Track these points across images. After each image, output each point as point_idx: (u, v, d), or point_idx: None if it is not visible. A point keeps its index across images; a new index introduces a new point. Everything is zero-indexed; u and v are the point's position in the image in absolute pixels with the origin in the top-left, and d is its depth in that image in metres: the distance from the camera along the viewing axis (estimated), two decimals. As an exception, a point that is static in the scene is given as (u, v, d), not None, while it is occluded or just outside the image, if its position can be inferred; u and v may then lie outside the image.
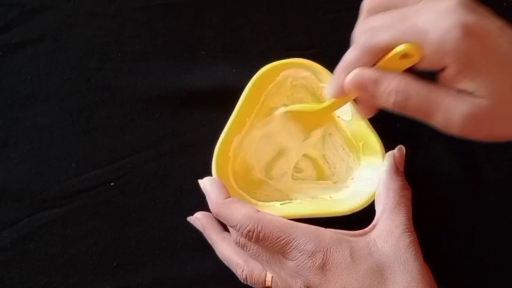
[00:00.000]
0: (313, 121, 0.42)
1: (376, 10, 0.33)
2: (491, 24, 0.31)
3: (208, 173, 0.39)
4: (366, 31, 0.33)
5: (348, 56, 0.33)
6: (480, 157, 0.44)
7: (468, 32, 0.29)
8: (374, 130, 0.40)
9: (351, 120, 0.41)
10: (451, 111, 0.31)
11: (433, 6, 0.31)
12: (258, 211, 0.35)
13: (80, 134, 0.45)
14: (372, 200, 0.38)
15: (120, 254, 0.43)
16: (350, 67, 0.33)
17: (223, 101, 0.42)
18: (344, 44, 0.46)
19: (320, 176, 0.43)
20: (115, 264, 0.42)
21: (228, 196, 0.37)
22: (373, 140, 0.39)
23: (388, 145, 0.39)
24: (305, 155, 0.43)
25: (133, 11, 0.47)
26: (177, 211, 0.42)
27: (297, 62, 0.41)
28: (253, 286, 0.37)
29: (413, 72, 0.32)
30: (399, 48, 0.31)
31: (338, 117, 0.42)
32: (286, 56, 0.42)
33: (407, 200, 0.36)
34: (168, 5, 0.47)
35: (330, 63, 0.41)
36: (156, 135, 0.45)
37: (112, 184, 0.44)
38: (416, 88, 0.31)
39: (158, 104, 0.45)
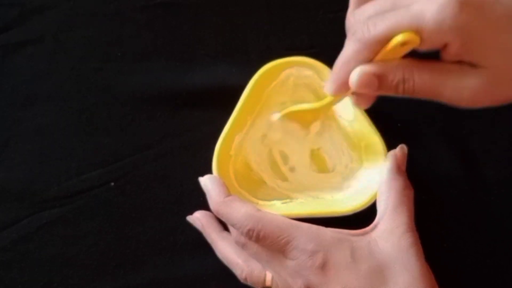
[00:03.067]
0: (311, 117, 0.42)
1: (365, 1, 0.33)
2: None
3: (209, 172, 0.39)
4: (361, 23, 0.32)
5: (347, 52, 0.32)
6: (480, 157, 0.44)
7: (463, 4, 0.29)
8: (376, 130, 0.40)
9: (353, 121, 0.41)
10: (459, 87, 0.31)
11: None
12: (259, 210, 0.35)
13: (80, 134, 0.44)
14: (374, 200, 0.38)
15: (120, 254, 0.42)
16: (350, 62, 0.32)
17: (223, 101, 0.42)
18: (344, 44, 0.46)
19: (322, 170, 0.43)
20: (115, 264, 0.42)
21: (229, 194, 0.37)
22: (375, 140, 0.39)
23: (389, 145, 0.39)
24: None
25: (133, 11, 0.47)
26: (178, 211, 0.42)
27: (300, 60, 0.41)
28: (253, 286, 0.37)
29: (416, 54, 0.32)
30: (398, 38, 0.30)
31: (340, 117, 0.42)
32: (286, 56, 0.42)
33: (409, 200, 0.36)
34: (168, 5, 0.47)
35: (330, 63, 0.41)
36: (156, 135, 0.45)
37: (112, 184, 0.44)
38: (420, 75, 0.31)
39: (159, 104, 0.45)
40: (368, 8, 0.32)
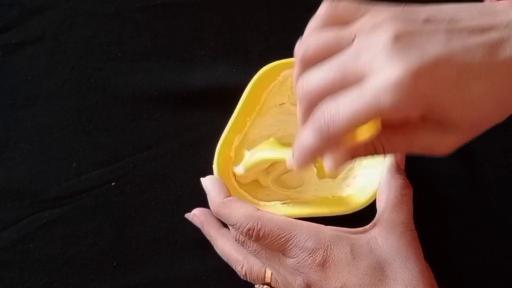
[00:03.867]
0: None
1: (312, 62, 0.31)
2: (434, 44, 0.27)
3: (209, 172, 0.39)
4: (318, 109, 0.29)
5: (308, 143, 0.30)
6: (480, 157, 0.44)
7: (417, 76, 0.26)
8: None
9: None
10: (426, 145, 0.30)
11: (368, 50, 0.27)
12: (258, 209, 0.35)
13: (80, 134, 0.45)
14: (374, 199, 0.38)
15: (120, 254, 0.42)
16: (310, 155, 0.30)
17: (223, 101, 0.42)
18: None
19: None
20: (115, 264, 0.42)
21: (229, 195, 0.37)
22: None
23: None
24: None
25: (133, 11, 0.47)
26: (178, 211, 0.42)
27: None
28: (253, 282, 0.37)
29: None
30: (364, 136, 0.28)
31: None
32: (286, 56, 0.42)
33: (408, 199, 0.36)
34: (168, 5, 0.47)
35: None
36: (156, 134, 0.45)
37: (113, 184, 0.44)
38: (388, 140, 0.30)
39: (159, 104, 0.45)
40: (316, 77, 0.30)
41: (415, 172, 0.39)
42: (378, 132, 0.29)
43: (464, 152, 0.44)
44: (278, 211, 0.38)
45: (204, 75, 0.46)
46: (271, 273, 0.36)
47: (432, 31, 0.28)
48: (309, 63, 0.31)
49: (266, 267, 0.36)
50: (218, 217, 0.37)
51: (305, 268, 0.33)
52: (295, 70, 0.32)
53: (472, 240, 0.42)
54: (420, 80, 0.26)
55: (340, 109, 0.28)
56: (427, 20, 0.28)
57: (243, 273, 0.37)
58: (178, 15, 0.47)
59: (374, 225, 0.35)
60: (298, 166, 0.31)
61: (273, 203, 0.40)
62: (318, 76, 0.30)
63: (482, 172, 0.44)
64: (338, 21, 0.31)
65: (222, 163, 0.40)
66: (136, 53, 0.46)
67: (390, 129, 0.30)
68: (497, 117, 0.29)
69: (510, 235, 0.42)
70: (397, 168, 0.37)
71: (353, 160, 0.31)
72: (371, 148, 0.31)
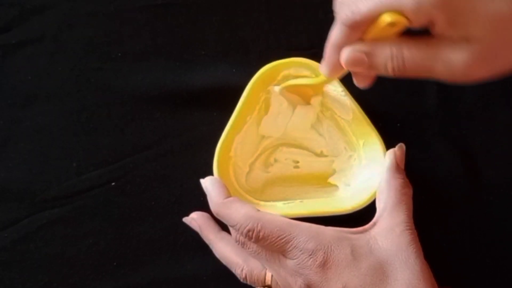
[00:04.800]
0: (311, 91, 0.42)
1: None
2: None
3: (209, 172, 0.39)
4: (344, 4, 0.32)
5: (334, 35, 0.33)
6: (480, 157, 0.44)
7: None
8: (374, 129, 0.40)
9: (351, 119, 0.41)
10: (450, 61, 0.30)
11: None
12: (258, 210, 0.35)
13: (80, 134, 0.45)
14: (373, 198, 0.38)
15: (120, 254, 0.43)
16: (339, 45, 0.33)
17: (223, 100, 0.42)
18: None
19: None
20: (115, 264, 0.42)
21: (229, 196, 0.37)
22: (374, 138, 0.40)
23: (388, 145, 0.39)
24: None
25: (133, 11, 0.47)
26: (178, 211, 0.42)
27: (298, 61, 0.41)
28: (253, 285, 0.37)
29: (409, 32, 0.31)
30: (385, 19, 0.30)
31: (339, 116, 0.42)
32: (286, 56, 0.42)
33: (408, 198, 0.36)
34: (168, 5, 0.47)
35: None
36: (156, 134, 0.45)
37: (113, 184, 0.44)
38: (409, 50, 0.31)
39: (159, 104, 0.45)
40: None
41: (415, 172, 0.39)
42: (405, 24, 0.29)
43: (464, 152, 0.44)
44: (278, 211, 0.38)
45: (204, 75, 0.46)
46: (272, 275, 0.36)
47: None
48: None
49: (266, 269, 0.36)
50: (219, 218, 0.37)
51: (306, 269, 0.33)
52: None
53: (472, 240, 0.43)
54: None
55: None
56: None
57: (243, 276, 0.37)
58: (178, 15, 0.47)
59: (374, 224, 0.35)
60: (328, 66, 0.34)
61: (273, 203, 0.40)
62: None
63: (482, 171, 0.44)
64: None
65: (222, 163, 0.40)
66: (136, 53, 0.46)
67: (413, 44, 0.30)
68: None
69: (510, 235, 0.42)
70: (396, 167, 0.37)
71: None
72: (389, 59, 0.31)
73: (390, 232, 0.34)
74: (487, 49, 0.29)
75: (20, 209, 0.43)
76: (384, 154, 0.39)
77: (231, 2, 0.47)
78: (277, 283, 0.35)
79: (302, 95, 0.42)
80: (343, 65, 0.33)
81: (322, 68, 0.35)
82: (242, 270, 0.37)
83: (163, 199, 0.43)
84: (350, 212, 0.38)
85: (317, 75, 0.42)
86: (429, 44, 0.30)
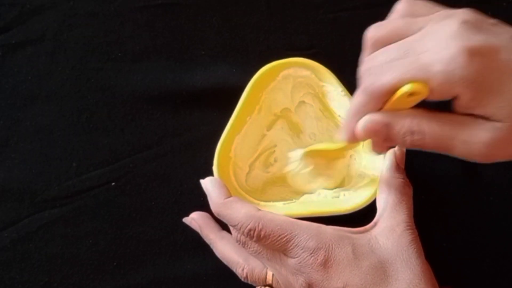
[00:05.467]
0: (334, 155, 0.42)
1: (381, 43, 0.32)
2: (500, 39, 0.29)
3: (209, 172, 0.39)
4: (369, 72, 0.31)
5: (355, 102, 0.32)
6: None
7: (474, 54, 0.27)
8: None
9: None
10: (471, 141, 0.29)
11: (436, 33, 0.29)
12: (259, 210, 0.35)
13: (80, 134, 0.45)
14: (374, 198, 0.38)
15: (120, 254, 0.43)
16: (359, 113, 0.32)
17: (223, 100, 0.42)
18: (344, 44, 0.46)
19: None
20: (115, 264, 0.42)
21: (229, 196, 0.37)
22: None
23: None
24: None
25: (133, 11, 0.47)
26: (178, 211, 0.42)
27: (297, 61, 0.41)
28: (254, 284, 0.37)
29: (427, 103, 0.31)
30: (404, 89, 0.29)
31: (339, 116, 0.42)
32: (286, 56, 0.42)
33: (408, 198, 0.36)
34: (168, 5, 0.47)
35: (330, 63, 0.41)
36: (156, 134, 0.45)
37: (113, 184, 0.44)
38: (429, 125, 0.30)
39: (159, 104, 0.45)
40: (379, 55, 0.31)
41: (415, 172, 0.39)
42: (426, 95, 0.29)
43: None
44: (278, 211, 0.38)
45: (204, 75, 0.46)
46: (272, 275, 0.36)
47: (498, 31, 0.29)
48: (378, 44, 0.32)
49: (267, 268, 0.36)
50: (219, 218, 0.37)
51: (307, 268, 0.33)
52: (364, 53, 0.33)
53: (472, 240, 0.43)
54: (475, 59, 0.28)
55: (392, 66, 0.30)
56: (495, 24, 0.30)
57: (244, 275, 0.37)
58: (178, 15, 0.47)
59: (375, 224, 0.35)
60: (347, 133, 0.33)
61: (273, 203, 0.40)
62: (383, 56, 0.31)
63: (482, 172, 0.44)
64: (413, 15, 0.32)
65: (222, 163, 0.40)
66: (136, 53, 0.46)
67: (434, 120, 0.30)
68: None
69: (510, 235, 0.43)
70: (397, 167, 0.37)
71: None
72: (408, 133, 0.30)
73: (391, 232, 0.34)
74: (510, 131, 0.29)
75: (20, 209, 0.43)
76: (384, 154, 0.39)
77: (231, 2, 0.47)
78: (278, 282, 0.35)
79: (324, 159, 0.42)
80: (359, 132, 0.32)
81: (340, 134, 0.34)
82: (243, 270, 0.37)
83: (163, 199, 0.43)
84: (350, 212, 0.38)
85: (317, 75, 0.42)
86: (450, 121, 0.30)
